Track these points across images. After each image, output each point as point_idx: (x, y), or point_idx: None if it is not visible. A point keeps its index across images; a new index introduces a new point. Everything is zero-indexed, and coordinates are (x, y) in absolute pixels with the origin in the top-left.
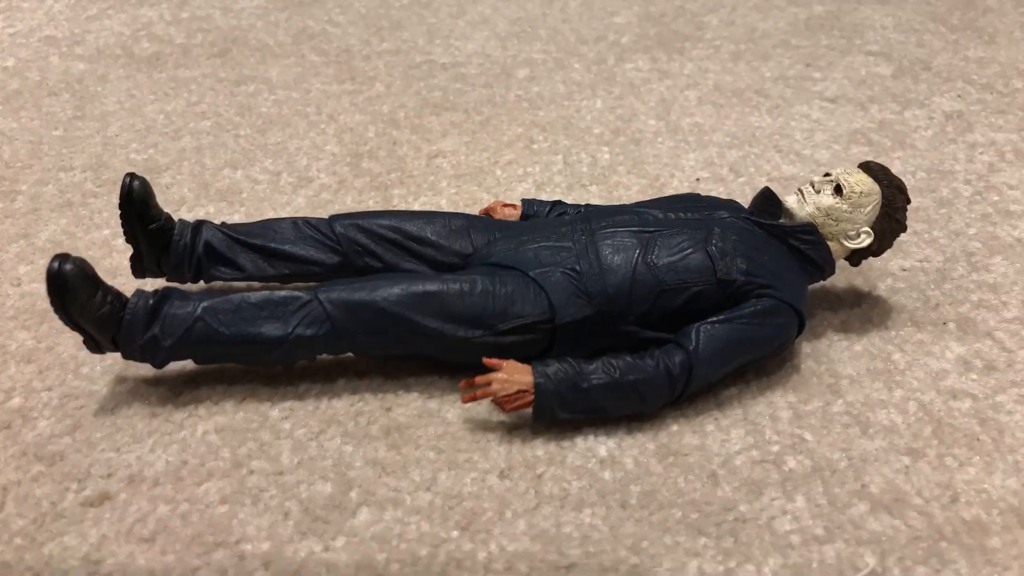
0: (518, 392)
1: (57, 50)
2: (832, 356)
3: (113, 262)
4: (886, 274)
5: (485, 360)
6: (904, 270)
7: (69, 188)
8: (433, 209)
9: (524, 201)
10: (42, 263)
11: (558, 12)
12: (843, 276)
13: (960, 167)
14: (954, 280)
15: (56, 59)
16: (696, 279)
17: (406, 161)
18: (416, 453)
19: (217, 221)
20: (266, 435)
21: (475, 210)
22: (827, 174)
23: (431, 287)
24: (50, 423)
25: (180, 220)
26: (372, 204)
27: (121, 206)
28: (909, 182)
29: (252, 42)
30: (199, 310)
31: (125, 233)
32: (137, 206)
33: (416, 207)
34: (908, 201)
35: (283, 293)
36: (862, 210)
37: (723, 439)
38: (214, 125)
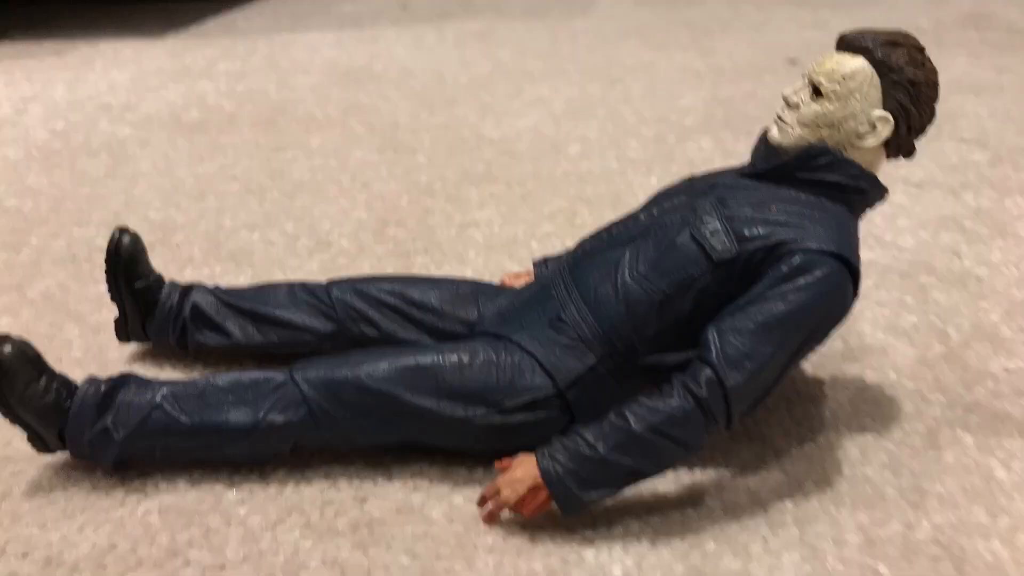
0: (530, 490)
1: (108, 115)
2: (916, 468)
3: (100, 319)
4: (985, 375)
5: (496, 464)
6: (1008, 371)
7: (78, 243)
8: None
9: (534, 263)
10: (26, 315)
11: (619, 94)
12: (930, 373)
13: None
14: None
15: (105, 124)
16: (692, 272)
17: (436, 230)
18: (386, 556)
19: (222, 283)
20: (215, 520)
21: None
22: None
23: (424, 360)
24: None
25: (170, 281)
26: (390, 271)
27: (107, 261)
28: (1013, 274)
29: (300, 113)
30: (158, 397)
31: (110, 291)
32: (125, 262)
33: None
34: (919, 49)
35: (254, 374)
36: (855, 97)
37: (772, 565)
38: (242, 188)
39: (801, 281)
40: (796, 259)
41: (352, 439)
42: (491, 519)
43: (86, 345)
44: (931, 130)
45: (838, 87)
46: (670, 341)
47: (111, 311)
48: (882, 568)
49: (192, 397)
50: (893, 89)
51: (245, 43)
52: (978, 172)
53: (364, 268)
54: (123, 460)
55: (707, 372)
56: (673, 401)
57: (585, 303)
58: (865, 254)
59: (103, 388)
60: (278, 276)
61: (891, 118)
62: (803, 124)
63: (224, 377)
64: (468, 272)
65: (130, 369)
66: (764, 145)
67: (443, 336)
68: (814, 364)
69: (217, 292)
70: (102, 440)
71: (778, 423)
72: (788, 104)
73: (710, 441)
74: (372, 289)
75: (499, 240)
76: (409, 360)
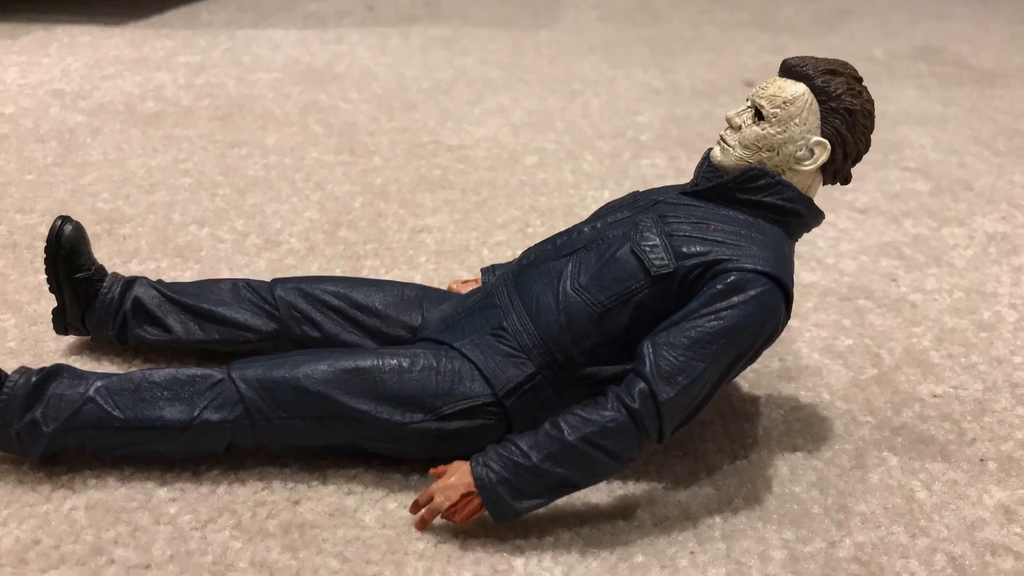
0: (463, 497)
1: (60, 102)
2: (842, 487)
3: (38, 309)
4: (913, 398)
5: (431, 471)
6: (935, 396)
7: (20, 230)
8: None
9: (482, 271)
10: None
11: (578, 108)
12: (862, 394)
13: (1004, 290)
14: (995, 413)
15: (56, 110)
16: (631, 285)
17: (387, 233)
18: (315, 559)
19: (167, 278)
20: (144, 518)
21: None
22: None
23: (364, 362)
24: None
25: (112, 273)
26: (338, 272)
27: (47, 250)
28: (945, 301)
29: (258, 110)
30: (91, 390)
31: (48, 280)
32: (66, 251)
33: (386, 279)
34: (857, 79)
35: (191, 371)
36: (795, 122)
37: None
38: (194, 182)
39: (735, 299)
40: (732, 277)
41: (287, 440)
42: (423, 524)
43: (21, 335)
44: (877, 158)
45: (779, 111)
46: (608, 353)
47: (50, 301)
48: None
49: (126, 392)
50: (831, 116)
51: (206, 36)
52: (919, 201)
53: (312, 269)
54: (51, 454)
55: (641, 385)
56: (607, 412)
57: (527, 312)
58: (807, 276)
59: (34, 379)
60: (224, 273)
61: (828, 144)
62: (744, 146)
63: (160, 373)
64: (417, 277)
65: (66, 361)
66: (707, 164)
67: (386, 340)
68: (750, 381)
69: (159, 286)
70: (30, 432)
71: (712, 439)
72: (731, 125)
73: (642, 454)
74: (316, 290)
75: (450, 246)
76: (348, 362)
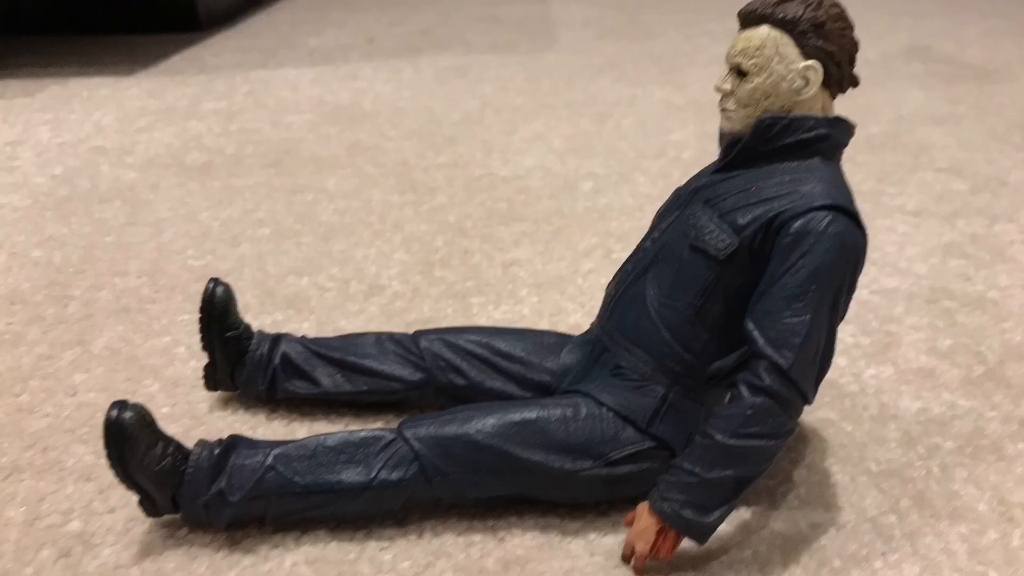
0: (659, 535)
1: (107, 159)
2: (993, 480)
3: (175, 371)
4: None
5: (624, 521)
6: None
7: (125, 294)
8: (516, 318)
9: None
10: (99, 371)
11: (612, 130)
12: (978, 391)
13: None
14: None
15: (106, 168)
16: (707, 277)
17: (480, 270)
18: None
19: (285, 330)
20: (365, 567)
21: (559, 319)
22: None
23: (530, 414)
24: (114, 550)
25: (259, 331)
26: (450, 312)
27: (202, 311)
28: (1021, 296)
29: (304, 153)
30: (270, 458)
31: (202, 340)
32: (219, 312)
33: (497, 315)
34: None
35: (363, 433)
36: (775, 61)
37: (895, 575)
38: (273, 232)
39: (806, 245)
40: (794, 225)
41: (462, 494)
42: (641, 572)
43: (171, 399)
44: (908, 160)
45: (756, 59)
46: (722, 345)
47: (184, 363)
48: (992, 574)
49: (304, 458)
50: (804, 38)
51: (222, 80)
52: (963, 200)
53: (423, 310)
54: (234, 522)
55: (763, 363)
56: (745, 402)
57: (633, 343)
58: (888, 282)
59: (216, 451)
60: (341, 321)
61: (816, 63)
62: (743, 105)
63: (333, 437)
64: (525, 311)
65: (218, 415)
66: (722, 138)
67: (530, 386)
68: (874, 388)
69: (305, 342)
70: (217, 503)
71: (862, 446)
72: (723, 94)
73: (793, 425)
74: (460, 340)
75: (544, 278)
76: (515, 415)
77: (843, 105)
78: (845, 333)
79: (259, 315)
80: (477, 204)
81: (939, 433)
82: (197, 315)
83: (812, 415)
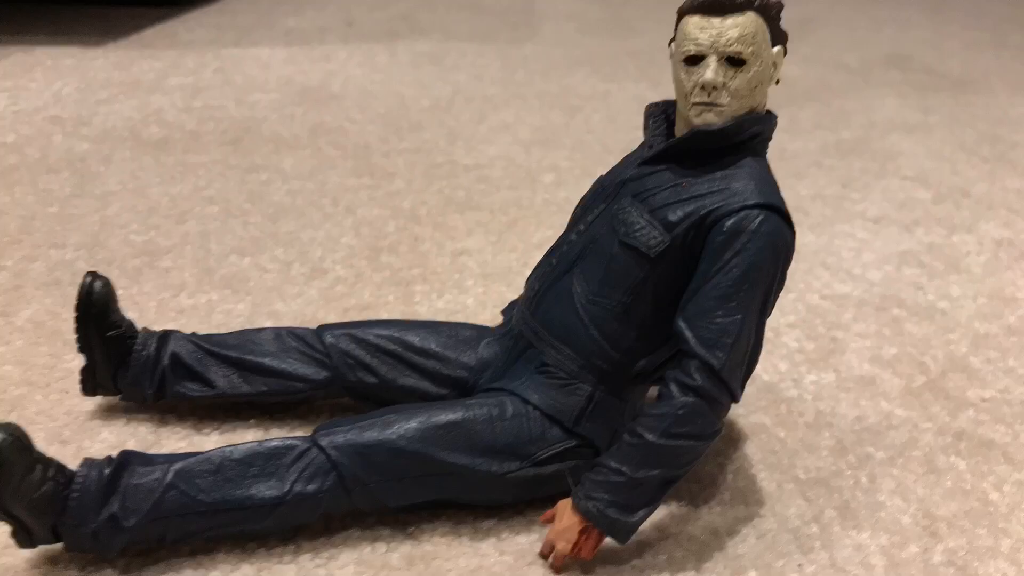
0: (580, 534)
1: (61, 129)
2: (921, 494)
3: None
4: (966, 404)
5: (541, 519)
6: (984, 400)
7: (59, 266)
8: (459, 308)
9: (503, 312)
10: (20, 343)
11: (581, 124)
12: (917, 401)
13: (1022, 295)
14: None
15: (59, 138)
16: (637, 275)
17: (429, 257)
18: None
19: (222, 311)
20: (263, 558)
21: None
22: (694, 58)
23: (454, 416)
24: (1, 530)
25: (143, 329)
26: (391, 299)
27: (77, 308)
28: (971, 307)
29: (265, 133)
30: (170, 475)
31: (78, 340)
32: (97, 310)
33: (440, 304)
34: None
35: (273, 443)
36: (763, 48)
37: None
38: (222, 211)
39: (738, 244)
40: (727, 223)
41: (382, 502)
42: (560, 571)
43: None
44: (875, 167)
45: (753, 47)
46: (649, 343)
47: None
48: None
49: (208, 473)
50: (773, 23)
51: (192, 56)
52: (925, 209)
53: (365, 296)
54: (126, 548)
55: (694, 362)
56: (675, 401)
57: (559, 340)
58: (840, 287)
59: (107, 471)
60: (278, 304)
61: (781, 49)
62: (740, 96)
63: (239, 449)
64: (469, 301)
65: (107, 427)
66: (658, 126)
67: (446, 382)
68: (813, 394)
69: (196, 339)
70: (108, 529)
71: (792, 453)
72: (715, 87)
73: (720, 424)
74: (369, 335)
75: (493, 268)
76: (439, 417)
77: (817, 109)
78: (789, 338)
79: (195, 294)
80: (435, 191)
81: (872, 443)
82: (74, 313)
83: (746, 419)
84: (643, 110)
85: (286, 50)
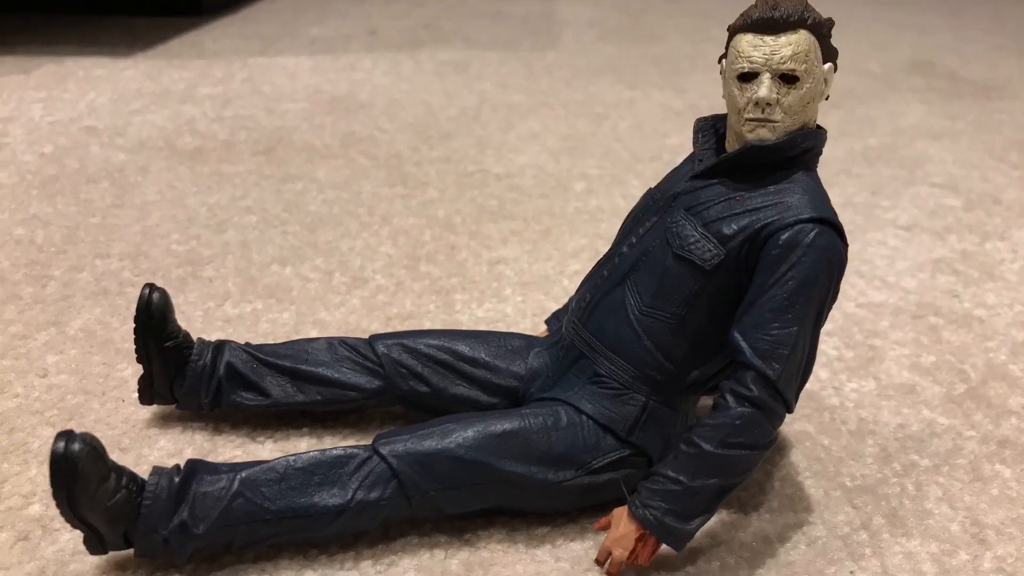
0: (637, 542)
1: (98, 140)
2: (968, 501)
3: None
4: (1008, 412)
5: (595, 526)
6: None
7: (105, 276)
8: (499, 316)
9: (547, 322)
10: (73, 353)
11: (608, 132)
12: (959, 409)
13: None
14: None
15: (96, 148)
16: (692, 287)
17: (466, 266)
18: None
19: (267, 320)
20: (325, 563)
21: (542, 319)
22: (747, 75)
23: (510, 425)
24: (73, 536)
25: (199, 339)
26: (432, 308)
27: (136, 320)
28: (1008, 315)
29: (297, 142)
30: (236, 484)
31: (137, 351)
32: (156, 320)
33: (480, 313)
34: None
35: (335, 451)
36: (816, 65)
37: None
38: (260, 220)
39: (793, 257)
40: (782, 237)
41: (441, 510)
42: None
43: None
44: (904, 174)
45: (806, 65)
46: (703, 354)
47: None
48: None
49: (272, 481)
50: (824, 41)
51: (220, 65)
52: (956, 216)
53: (405, 305)
54: (195, 554)
55: (750, 373)
56: (732, 412)
57: (613, 351)
58: (875, 295)
59: (177, 480)
60: (322, 313)
61: (831, 66)
62: (793, 113)
63: (303, 458)
64: (508, 310)
65: (164, 434)
66: (710, 140)
67: (496, 391)
68: (854, 402)
69: (250, 349)
70: (179, 536)
71: (838, 461)
72: (769, 104)
73: (775, 433)
74: (420, 344)
75: (530, 277)
76: (496, 426)
77: (842, 116)
78: (828, 346)
79: (239, 304)
80: (468, 200)
81: (916, 450)
82: (132, 323)
83: (790, 427)
84: (668, 117)
85: (312, 59)
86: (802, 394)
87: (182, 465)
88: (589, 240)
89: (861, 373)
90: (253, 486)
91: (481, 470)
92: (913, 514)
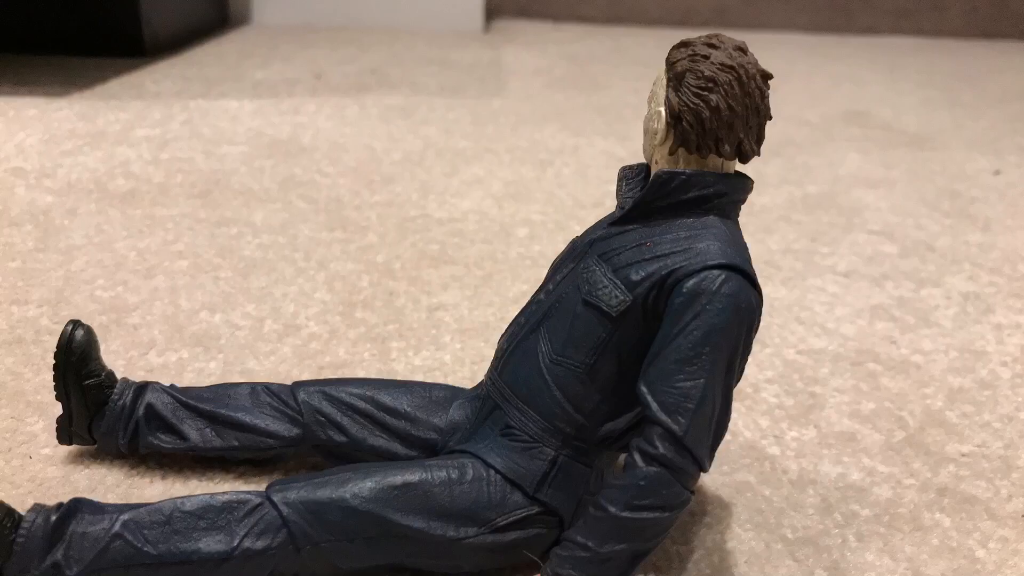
0: None
1: (24, 181)
2: (908, 551)
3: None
4: (946, 459)
5: None
6: (964, 455)
7: (21, 323)
8: (437, 365)
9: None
10: None
11: (552, 178)
12: (898, 457)
13: (991, 348)
14: (1020, 469)
15: (22, 190)
16: (600, 334)
17: (405, 313)
18: None
19: (192, 369)
20: None
21: (482, 367)
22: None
23: (412, 477)
24: None
25: (123, 379)
26: (367, 357)
27: (56, 355)
28: (944, 361)
29: (235, 185)
30: (117, 525)
31: (56, 388)
32: (77, 358)
33: (417, 361)
34: (711, 46)
35: (226, 496)
36: (652, 98)
37: None
38: (191, 265)
39: (698, 306)
40: (688, 284)
41: (332, 564)
42: None
43: (55, 439)
44: (842, 221)
45: (652, 89)
46: (614, 406)
47: None
48: None
49: (157, 524)
50: (671, 84)
51: (159, 107)
52: (892, 263)
53: (339, 353)
54: None
55: (656, 429)
56: (638, 472)
57: (523, 401)
58: (815, 342)
59: (53, 518)
60: (251, 362)
61: (664, 112)
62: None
63: (192, 501)
64: (447, 358)
65: (77, 473)
66: (626, 186)
67: (416, 444)
68: (795, 451)
69: (173, 392)
70: None
71: (778, 511)
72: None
73: (689, 493)
74: (342, 393)
75: (470, 324)
76: (396, 477)
77: (782, 164)
78: (768, 393)
79: (164, 352)
80: (408, 245)
81: (857, 500)
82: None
83: (731, 477)
84: (611, 164)
85: (254, 102)
86: (742, 443)
87: (63, 503)
88: (531, 286)
89: (802, 421)
90: (136, 528)
91: (376, 523)
92: (855, 567)
